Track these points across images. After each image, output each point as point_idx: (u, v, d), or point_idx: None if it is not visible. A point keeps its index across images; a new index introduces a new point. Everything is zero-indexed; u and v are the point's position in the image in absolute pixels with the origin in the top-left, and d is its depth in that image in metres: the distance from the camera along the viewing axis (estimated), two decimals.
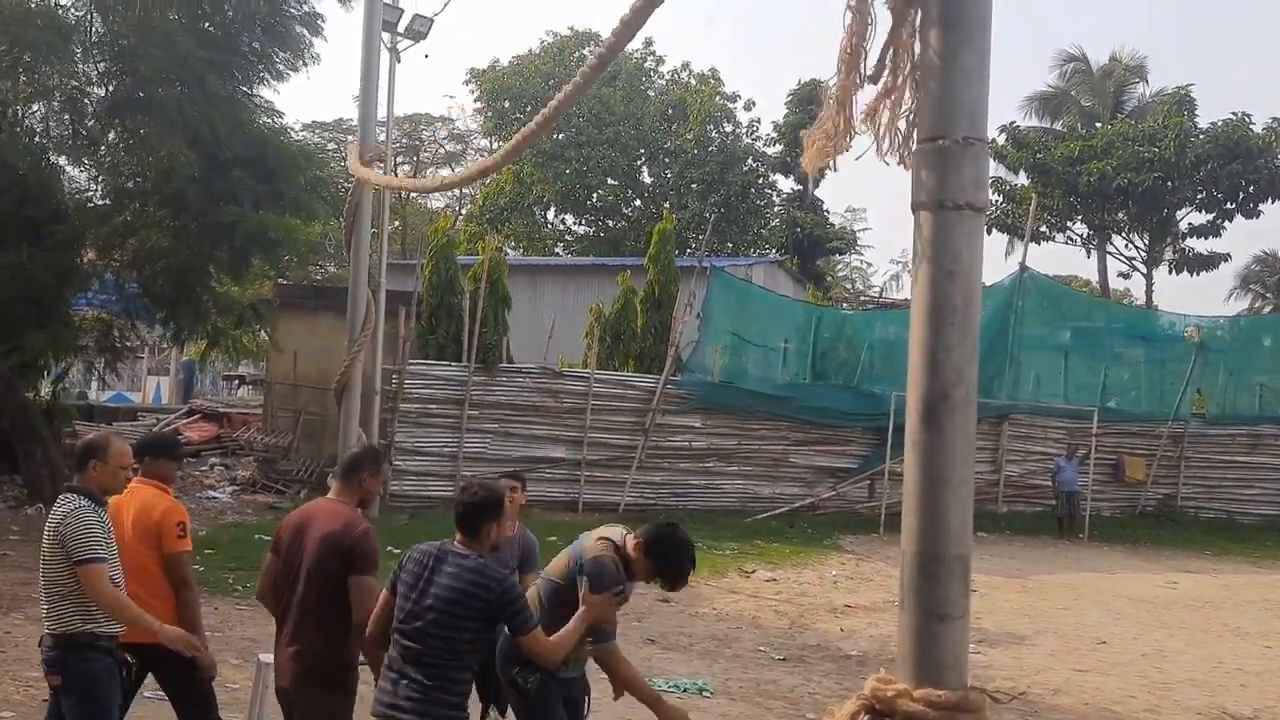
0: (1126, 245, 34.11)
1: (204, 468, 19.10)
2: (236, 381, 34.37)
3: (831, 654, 9.35)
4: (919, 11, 1.91)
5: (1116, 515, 19.59)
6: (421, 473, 16.28)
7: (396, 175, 41.94)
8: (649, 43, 40.70)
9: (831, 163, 2.05)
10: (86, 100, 13.71)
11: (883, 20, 1.97)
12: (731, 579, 12.65)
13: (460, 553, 3.84)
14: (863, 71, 1.98)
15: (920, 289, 1.89)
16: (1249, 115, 29.31)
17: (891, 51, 1.97)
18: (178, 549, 4.76)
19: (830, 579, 13.12)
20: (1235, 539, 18.43)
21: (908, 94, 1.96)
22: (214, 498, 16.27)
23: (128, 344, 16.43)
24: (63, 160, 14.24)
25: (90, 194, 14.65)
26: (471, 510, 3.90)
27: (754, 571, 13.14)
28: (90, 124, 13.88)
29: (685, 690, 7.71)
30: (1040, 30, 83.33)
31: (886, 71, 1.99)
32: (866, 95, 2.04)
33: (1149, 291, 34.34)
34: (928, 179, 1.88)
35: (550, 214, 41.90)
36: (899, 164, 2.00)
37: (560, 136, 36.90)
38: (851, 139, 2.01)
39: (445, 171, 50.42)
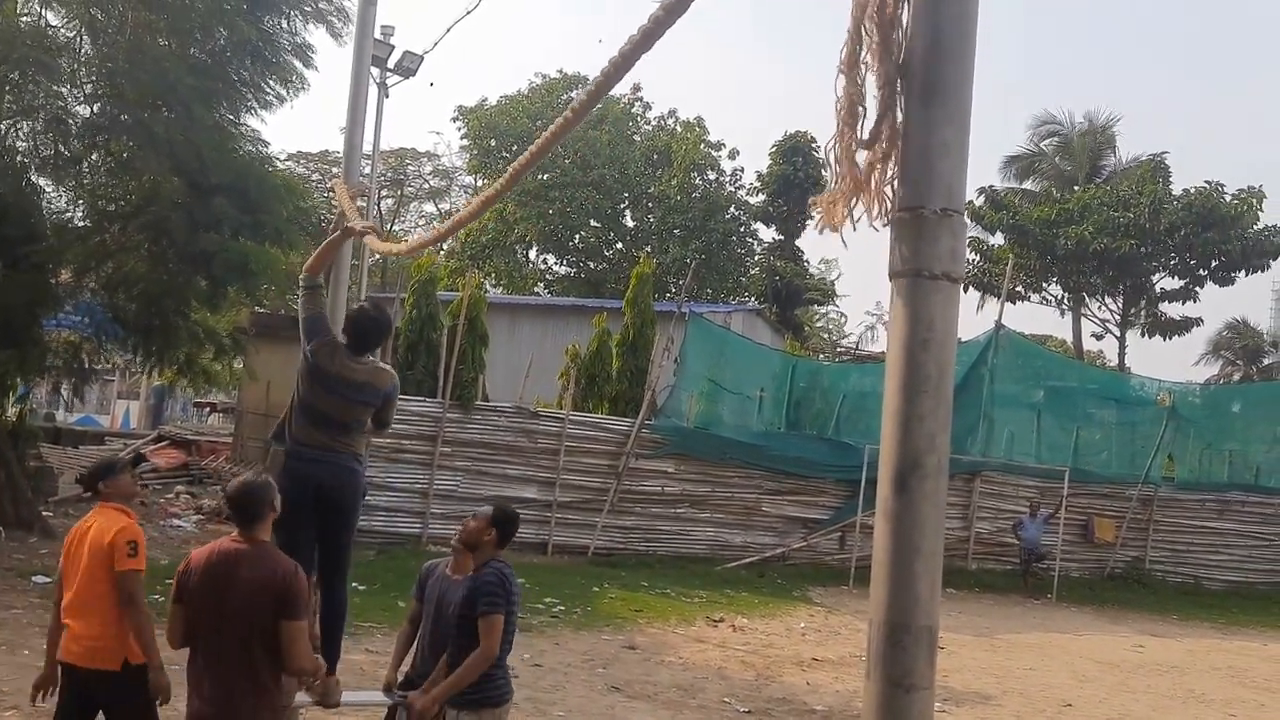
0: (1100, 307, 34.52)
1: (169, 495, 18.83)
2: (207, 409, 34.08)
3: (796, 708, 9.26)
4: (903, 82, 1.94)
5: (1085, 576, 19.61)
6: (391, 509, 16.10)
7: (380, 210, 41.98)
8: (637, 88, 41.12)
9: (850, 224, 2.04)
10: (71, 121, 13.64)
11: (871, 85, 1.99)
12: (699, 628, 12.56)
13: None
14: (860, 135, 2.00)
15: (894, 357, 1.89)
16: (1221, 185, 29.86)
17: (885, 118, 1.99)
18: (127, 567, 4.79)
19: (798, 631, 13.05)
20: (1201, 604, 18.48)
21: (894, 161, 1.98)
22: (179, 526, 16.03)
23: (96, 367, 16.25)
24: (43, 180, 14.16)
25: (70, 215, 14.54)
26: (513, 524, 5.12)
27: (722, 621, 13.05)
28: (74, 145, 13.81)
29: None
30: (1019, 94, 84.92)
31: (882, 138, 2.00)
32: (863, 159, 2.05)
33: (1121, 353, 34.72)
34: (905, 248, 1.89)
35: (532, 253, 42.04)
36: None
37: (544, 177, 37.08)
38: (858, 201, 2.01)
39: (429, 207, 50.51)
